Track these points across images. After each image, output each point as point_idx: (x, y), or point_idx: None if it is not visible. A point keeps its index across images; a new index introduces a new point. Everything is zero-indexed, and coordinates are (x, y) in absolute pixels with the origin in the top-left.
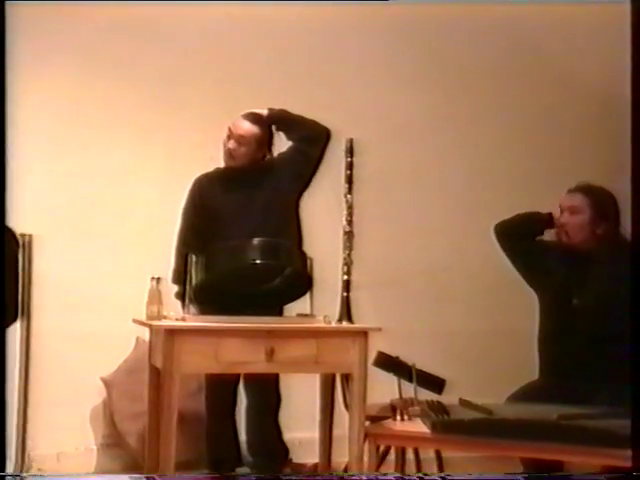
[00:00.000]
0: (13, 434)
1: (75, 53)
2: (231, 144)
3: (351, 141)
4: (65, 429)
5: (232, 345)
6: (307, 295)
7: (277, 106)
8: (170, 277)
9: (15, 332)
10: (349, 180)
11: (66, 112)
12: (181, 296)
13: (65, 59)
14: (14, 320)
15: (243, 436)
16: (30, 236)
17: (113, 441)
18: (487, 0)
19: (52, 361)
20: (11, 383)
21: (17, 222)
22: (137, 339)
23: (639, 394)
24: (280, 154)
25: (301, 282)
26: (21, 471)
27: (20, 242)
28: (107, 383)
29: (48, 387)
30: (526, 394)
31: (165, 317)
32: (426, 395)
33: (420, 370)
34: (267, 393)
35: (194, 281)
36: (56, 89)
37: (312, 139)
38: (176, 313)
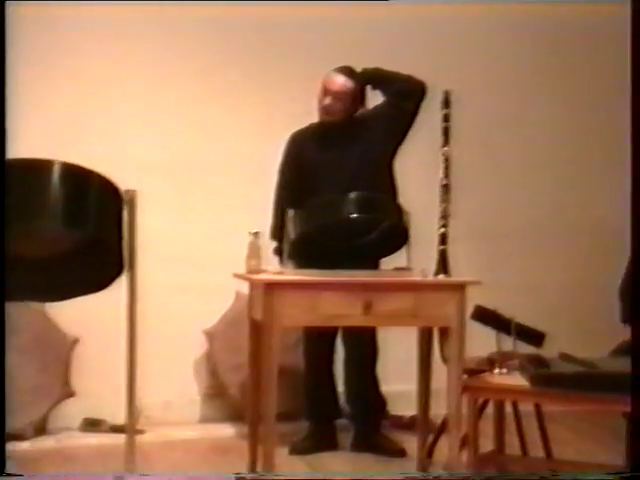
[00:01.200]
0: (123, 383)
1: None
2: (327, 100)
3: (448, 93)
4: (170, 379)
5: (330, 299)
6: (404, 248)
7: (371, 61)
8: (268, 233)
9: (121, 285)
10: (445, 132)
11: (161, 71)
12: (279, 251)
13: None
14: (120, 273)
15: (341, 388)
16: (134, 192)
17: (215, 391)
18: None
19: (157, 313)
20: (119, 334)
21: (122, 179)
22: (237, 292)
23: (639, 394)
24: (375, 108)
25: (398, 235)
26: (131, 421)
27: (125, 198)
28: (209, 335)
29: (154, 339)
30: (629, 348)
31: (264, 271)
32: (525, 349)
33: (519, 323)
34: (364, 346)
35: (291, 236)
36: (147, 52)
37: (408, 93)
38: (274, 267)
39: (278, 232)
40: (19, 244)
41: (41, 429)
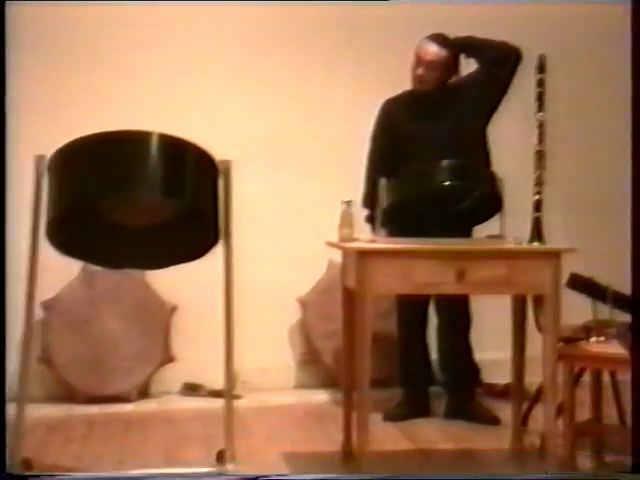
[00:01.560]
0: (221, 350)
1: None
2: (420, 70)
3: (543, 57)
4: (266, 346)
5: (423, 267)
6: (497, 216)
7: (465, 29)
8: (360, 201)
9: (217, 254)
10: (540, 98)
11: (254, 45)
12: (371, 219)
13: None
14: (216, 242)
15: (435, 357)
16: (229, 162)
17: (309, 358)
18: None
19: (252, 282)
20: (216, 302)
21: (217, 149)
22: (329, 261)
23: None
24: (469, 76)
25: (491, 203)
26: (229, 386)
27: (220, 168)
28: (303, 303)
29: (249, 306)
30: None
31: (357, 239)
32: (622, 317)
33: (616, 291)
34: (457, 314)
35: (384, 204)
36: (243, 28)
37: (502, 60)
38: (367, 236)
39: (370, 200)
40: (120, 214)
41: (144, 392)
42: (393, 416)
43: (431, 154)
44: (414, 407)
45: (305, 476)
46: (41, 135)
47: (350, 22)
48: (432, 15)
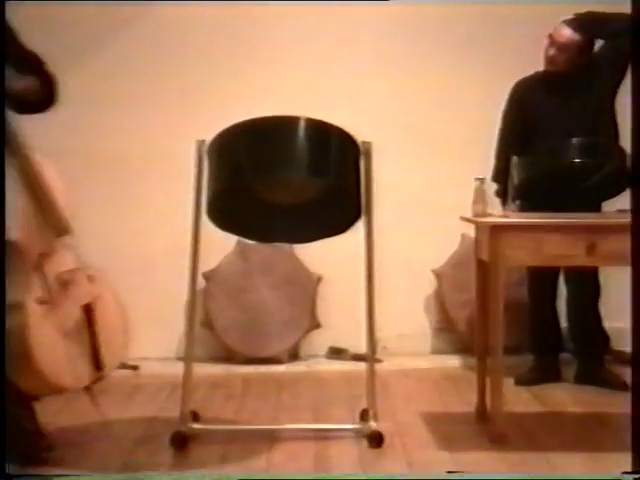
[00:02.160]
0: (363, 317)
1: None
2: (552, 51)
3: None
4: (404, 314)
5: (553, 240)
6: (627, 191)
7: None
8: (490, 176)
9: (359, 229)
10: None
11: (391, 31)
12: (501, 194)
13: None
14: (358, 218)
15: (564, 324)
16: (369, 143)
17: (444, 326)
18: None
19: (391, 254)
20: (358, 272)
21: (359, 131)
22: (462, 235)
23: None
24: (596, 54)
25: (620, 179)
26: (371, 350)
27: (361, 149)
28: (438, 274)
29: (388, 277)
30: None
31: (489, 215)
32: None
33: None
34: (587, 284)
35: (516, 180)
36: (381, 14)
37: (623, 31)
38: (499, 211)
39: (501, 176)
40: (271, 192)
41: (294, 355)
42: (525, 380)
43: (560, 132)
44: (545, 372)
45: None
46: (202, 122)
47: (483, 7)
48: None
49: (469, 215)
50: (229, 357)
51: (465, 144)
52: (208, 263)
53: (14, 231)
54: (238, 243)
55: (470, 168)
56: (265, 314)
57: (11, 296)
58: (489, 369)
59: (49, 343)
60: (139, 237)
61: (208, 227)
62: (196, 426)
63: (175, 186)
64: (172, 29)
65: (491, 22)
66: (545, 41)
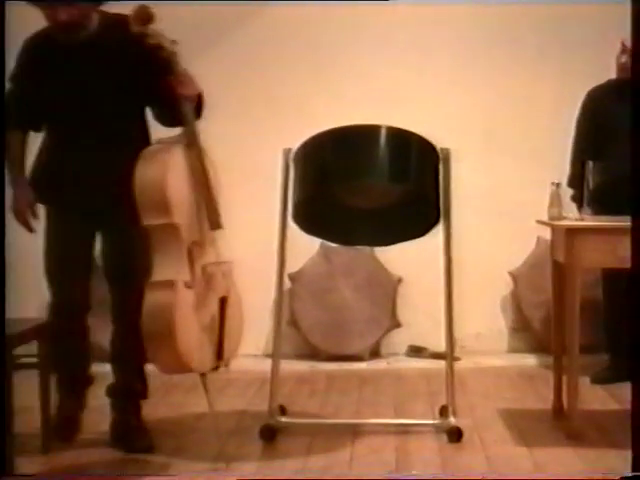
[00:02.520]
0: (442, 317)
1: None
2: (624, 58)
3: None
4: (481, 314)
5: (628, 243)
6: None
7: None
8: (566, 181)
9: (438, 232)
10: None
11: (471, 44)
12: (577, 199)
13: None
14: (437, 222)
15: None
16: (448, 150)
17: (520, 325)
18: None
19: (469, 256)
20: (437, 274)
21: (437, 138)
22: (538, 238)
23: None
24: None
25: None
26: (450, 349)
27: (440, 155)
28: (514, 276)
29: (466, 278)
30: None
31: (565, 218)
32: None
33: None
34: None
35: (591, 185)
36: (461, 29)
37: None
38: (574, 215)
39: (576, 181)
40: (352, 198)
41: (375, 353)
42: (601, 379)
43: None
44: (621, 371)
45: None
46: (288, 131)
47: (557, 17)
48: None
49: (545, 219)
50: (314, 354)
51: (539, 150)
52: (293, 265)
53: (177, 215)
54: (321, 246)
55: (545, 173)
56: (348, 314)
57: (162, 274)
58: (565, 367)
59: (189, 325)
60: (228, 241)
61: (293, 231)
62: (283, 419)
63: (263, 192)
64: (261, 43)
65: (564, 34)
66: (618, 47)
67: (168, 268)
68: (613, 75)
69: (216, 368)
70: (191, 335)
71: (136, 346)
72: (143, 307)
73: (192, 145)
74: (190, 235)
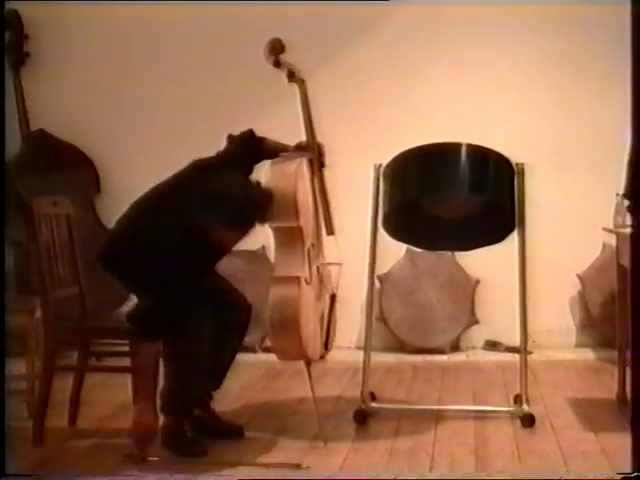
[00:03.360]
0: (516, 314)
1: None
2: None
3: None
4: (552, 312)
5: None
6: None
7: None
8: (622, 191)
9: (513, 239)
10: None
11: (539, 62)
12: (631, 209)
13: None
14: (512, 229)
15: None
16: (522, 164)
17: (587, 323)
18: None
19: (541, 260)
20: (512, 276)
21: (513, 153)
22: (604, 244)
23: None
24: None
25: None
26: (524, 343)
27: (516, 170)
28: (581, 278)
29: (538, 280)
30: None
31: (629, 225)
32: None
33: None
34: None
35: None
36: (523, 43)
37: None
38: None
39: (630, 193)
40: (436, 208)
41: (455, 347)
42: None
43: None
44: None
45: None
46: (378, 148)
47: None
48: None
49: (611, 226)
50: (400, 347)
51: (605, 163)
52: (383, 267)
53: (302, 219)
54: (407, 251)
55: (609, 184)
56: (431, 311)
57: (288, 270)
58: (628, 361)
59: (309, 317)
60: (325, 248)
61: (382, 237)
62: (374, 405)
63: (354, 204)
64: (357, 70)
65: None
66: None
67: (293, 266)
68: None
69: (322, 357)
70: (310, 326)
71: None
72: (269, 299)
73: (314, 159)
74: (310, 238)
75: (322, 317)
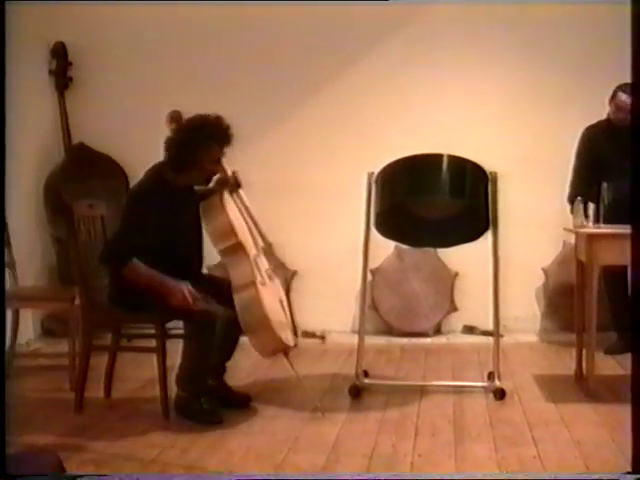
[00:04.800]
0: (489, 302)
1: None
2: (612, 108)
3: None
4: (519, 301)
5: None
6: None
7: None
8: (566, 197)
9: (487, 238)
10: None
11: (517, 84)
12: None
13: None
14: (486, 229)
15: None
16: (495, 173)
17: (550, 310)
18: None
19: (511, 256)
20: (486, 269)
21: (486, 163)
22: (564, 242)
23: (638, 391)
24: None
25: None
26: (496, 328)
27: (489, 177)
28: (545, 271)
29: (509, 273)
30: None
31: (585, 227)
32: None
33: None
34: None
35: (606, 202)
36: (508, 66)
37: None
38: (592, 224)
39: (572, 198)
40: (420, 210)
41: (437, 331)
42: (612, 350)
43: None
44: (627, 343)
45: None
46: (370, 158)
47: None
48: None
49: (570, 226)
50: (389, 331)
51: (565, 172)
52: (374, 262)
53: (241, 235)
54: (396, 247)
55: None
56: (416, 300)
57: (242, 279)
58: (585, 342)
59: (274, 311)
60: (324, 245)
61: (374, 236)
62: (367, 381)
63: (349, 206)
64: (353, 94)
65: (588, 83)
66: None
67: (246, 274)
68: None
69: (295, 345)
70: (277, 318)
71: None
72: (236, 307)
73: (233, 190)
74: (251, 250)
75: (284, 311)
